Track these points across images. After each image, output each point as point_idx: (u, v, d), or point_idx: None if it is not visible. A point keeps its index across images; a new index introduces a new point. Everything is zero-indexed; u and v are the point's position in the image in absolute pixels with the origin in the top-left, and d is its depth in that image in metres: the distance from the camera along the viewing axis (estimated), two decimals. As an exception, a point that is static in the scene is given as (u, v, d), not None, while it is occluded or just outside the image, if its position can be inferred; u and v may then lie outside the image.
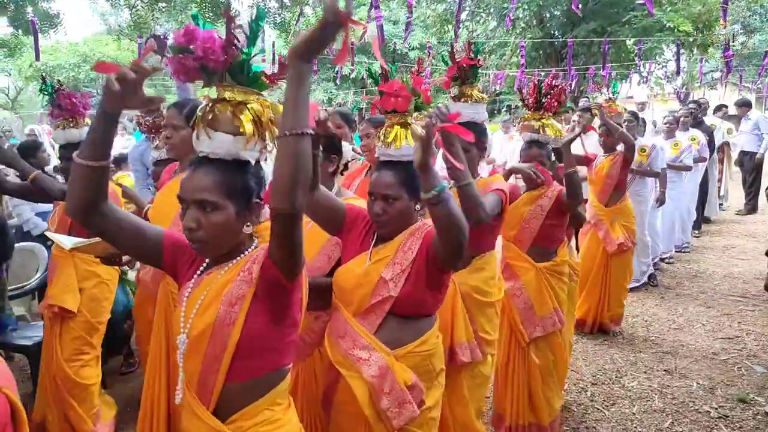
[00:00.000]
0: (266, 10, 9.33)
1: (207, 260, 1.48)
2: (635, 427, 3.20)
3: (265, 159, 1.44)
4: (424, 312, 1.86)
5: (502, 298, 2.59)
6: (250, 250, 1.45)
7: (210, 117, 1.33)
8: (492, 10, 13.28)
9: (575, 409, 3.40)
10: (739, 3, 13.63)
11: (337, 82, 16.72)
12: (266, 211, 1.35)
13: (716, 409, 3.37)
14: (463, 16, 13.41)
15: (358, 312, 1.83)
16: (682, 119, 6.86)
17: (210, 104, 1.35)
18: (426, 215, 1.85)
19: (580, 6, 7.61)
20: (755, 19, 17.02)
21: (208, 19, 8.60)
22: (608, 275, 4.53)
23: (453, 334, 2.38)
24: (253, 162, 1.39)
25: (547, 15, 13.18)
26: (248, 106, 1.33)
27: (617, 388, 3.66)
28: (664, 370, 3.88)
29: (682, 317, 4.86)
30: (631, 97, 13.07)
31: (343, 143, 2.40)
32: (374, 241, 1.89)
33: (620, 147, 4.48)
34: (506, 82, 13.45)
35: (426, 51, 11.59)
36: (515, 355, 2.95)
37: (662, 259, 6.35)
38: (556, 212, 2.94)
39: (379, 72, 1.92)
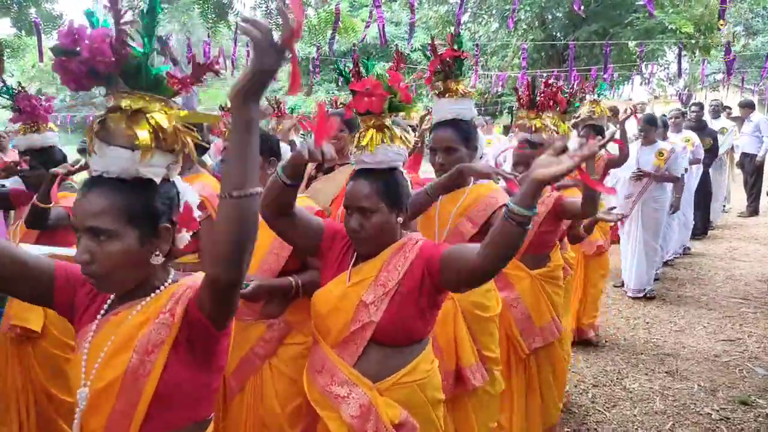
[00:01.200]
0: (269, 12, 9.34)
1: (112, 296, 1.27)
2: (636, 429, 3.20)
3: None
4: (412, 338, 1.64)
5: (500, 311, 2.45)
6: (166, 284, 1.24)
7: (101, 129, 1.12)
8: (494, 11, 13.29)
9: (576, 411, 3.40)
10: (741, 5, 13.63)
11: (339, 83, 16.74)
12: (185, 237, 1.25)
13: (717, 411, 3.36)
14: (465, 17, 13.43)
15: (336, 342, 1.63)
16: (673, 120, 6.74)
17: (103, 114, 1.15)
18: (414, 227, 1.79)
19: (582, 8, 7.59)
20: (758, 21, 17.02)
21: (211, 21, 8.61)
22: (585, 279, 4.39)
23: (459, 357, 2.22)
24: (158, 180, 1.17)
25: (549, 17, 13.18)
26: (147, 114, 1.13)
27: (618, 389, 3.66)
28: (666, 372, 3.88)
29: (684, 319, 4.86)
30: (630, 99, 13.05)
31: (282, 144, 2.26)
32: (353, 259, 1.69)
33: (603, 151, 4.34)
34: (508, 84, 13.45)
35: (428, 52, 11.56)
36: (514, 368, 2.81)
37: (665, 263, 6.29)
38: (552, 219, 2.82)
39: (351, 69, 1.70)
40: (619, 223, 4.55)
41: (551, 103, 2.83)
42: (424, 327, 1.65)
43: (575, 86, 3.85)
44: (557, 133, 3.07)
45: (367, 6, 12.50)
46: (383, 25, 6.88)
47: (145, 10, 1.10)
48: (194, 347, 1.19)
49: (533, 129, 2.82)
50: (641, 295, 5.34)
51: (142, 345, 1.16)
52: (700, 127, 7.24)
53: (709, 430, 3.17)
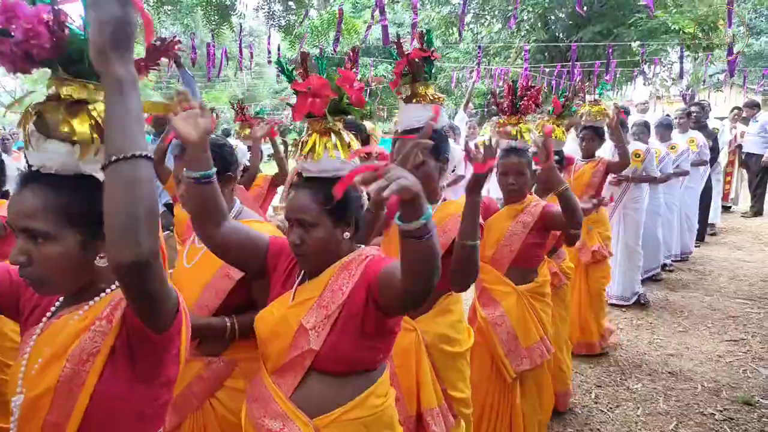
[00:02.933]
0: (271, 13, 9.38)
1: (61, 297, 1.17)
2: (640, 430, 3.20)
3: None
4: (359, 368, 1.45)
5: (472, 345, 2.17)
6: (113, 287, 1.14)
7: (38, 119, 1.02)
8: (497, 12, 13.29)
9: (579, 411, 3.40)
10: (744, 5, 13.59)
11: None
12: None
13: (721, 411, 3.36)
14: (468, 18, 13.42)
15: (275, 368, 1.46)
16: (679, 120, 6.69)
17: (41, 103, 1.05)
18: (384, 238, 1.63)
19: (584, 8, 7.59)
20: (761, 21, 16.97)
21: (214, 23, 8.65)
22: (587, 288, 4.19)
23: (420, 399, 1.94)
24: (102, 177, 1.02)
25: (552, 17, 13.17)
26: (89, 106, 1.03)
27: (622, 390, 3.66)
28: (669, 373, 3.88)
29: (687, 320, 4.85)
30: (630, 100, 13.00)
31: (239, 148, 2.04)
32: (300, 277, 1.53)
33: (599, 153, 4.28)
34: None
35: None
36: (497, 394, 2.60)
37: (663, 266, 6.16)
38: (539, 230, 2.60)
39: (295, 67, 1.54)
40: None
41: (534, 106, 2.65)
42: (373, 356, 1.47)
43: (574, 86, 3.80)
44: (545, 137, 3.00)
45: (370, 7, 12.52)
46: (386, 25, 6.87)
47: None
48: (134, 356, 1.08)
49: (519, 136, 2.65)
50: (627, 303, 5.11)
51: (76, 353, 1.07)
52: (699, 128, 7.13)
53: (713, 431, 3.17)
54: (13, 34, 0.95)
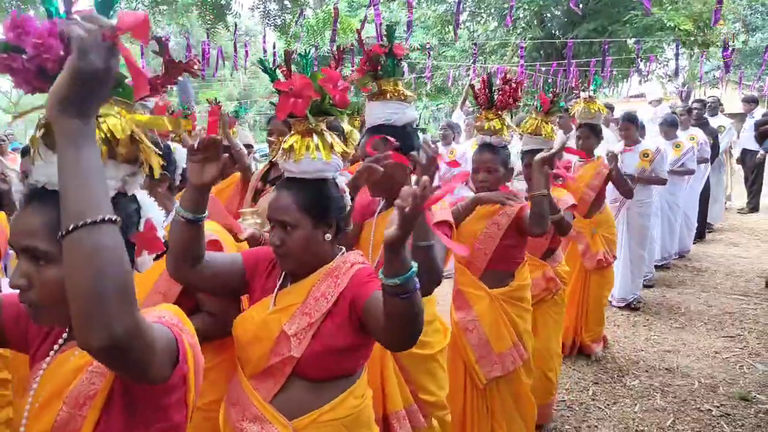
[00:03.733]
0: (266, 12, 9.35)
1: (68, 329, 1.08)
2: (637, 426, 3.20)
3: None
4: (339, 374, 1.45)
5: (446, 345, 2.09)
6: None
7: (45, 133, 0.96)
8: (493, 10, 13.29)
9: (577, 408, 3.40)
10: (740, 1, 13.62)
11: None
12: (147, 260, 1.08)
13: (718, 407, 3.37)
14: (464, 16, 13.43)
15: (254, 373, 1.44)
16: (681, 117, 6.59)
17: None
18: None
19: (580, 5, 7.59)
20: (756, 18, 16.99)
21: (209, 22, 8.62)
22: (587, 292, 4.07)
23: (385, 402, 1.89)
24: (111, 194, 1.00)
25: (548, 15, 13.19)
26: (99, 119, 0.97)
27: (619, 386, 3.67)
28: (666, 369, 3.89)
29: (684, 316, 4.86)
30: (643, 95, 12.85)
31: (179, 149, 1.94)
32: (281, 279, 1.50)
33: (598, 151, 4.12)
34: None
35: (426, 51, 11.59)
36: (473, 400, 2.51)
37: (657, 266, 6.06)
38: (515, 231, 2.49)
39: (276, 65, 1.52)
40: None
41: (512, 101, 2.49)
42: (353, 363, 1.47)
43: (568, 83, 3.69)
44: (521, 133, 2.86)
45: (365, 6, 12.51)
46: (380, 23, 6.87)
47: None
48: (132, 402, 0.99)
49: (492, 131, 2.49)
50: (624, 305, 5.00)
51: (73, 396, 0.98)
52: (700, 125, 7.04)
53: (710, 427, 3.18)
54: (24, 50, 0.90)
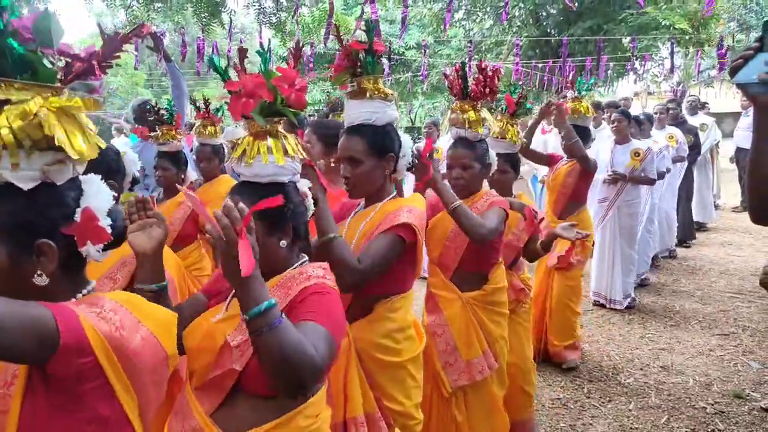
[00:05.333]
0: (262, 9, 9.32)
1: None
2: (632, 424, 3.21)
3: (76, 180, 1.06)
4: None
5: (419, 352, 1.96)
6: None
7: None
8: (488, 8, 13.29)
9: (572, 406, 3.41)
10: (735, 0, 13.66)
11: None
12: (93, 251, 1.04)
13: (712, 405, 3.38)
14: (459, 14, 13.43)
15: (199, 384, 1.35)
16: (658, 116, 6.50)
17: None
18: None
19: (575, 4, 7.59)
20: (751, 17, 17.04)
21: (204, 19, 8.59)
22: (552, 294, 3.92)
23: (346, 406, 1.79)
24: (26, 186, 0.97)
25: (544, 13, 13.20)
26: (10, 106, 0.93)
27: (614, 384, 3.67)
28: (661, 367, 3.90)
29: (678, 314, 4.88)
30: (637, 95, 12.87)
31: (128, 155, 1.88)
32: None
33: (590, 153, 3.98)
34: (502, 80, 13.43)
35: (422, 50, 11.59)
36: (439, 409, 2.37)
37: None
38: None
39: (228, 65, 1.45)
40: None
41: (487, 91, 2.31)
42: None
43: (562, 81, 3.54)
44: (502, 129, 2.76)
45: (361, 4, 12.48)
46: (377, 20, 6.85)
47: None
48: (49, 386, 0.95)
49: (467, 124, 2.33)
50: (621, 307, 4.94)
51: (3, 376, 0.98)
52: (677, 124, 6.98)
53: (704, 424, 3.19)
54: None
